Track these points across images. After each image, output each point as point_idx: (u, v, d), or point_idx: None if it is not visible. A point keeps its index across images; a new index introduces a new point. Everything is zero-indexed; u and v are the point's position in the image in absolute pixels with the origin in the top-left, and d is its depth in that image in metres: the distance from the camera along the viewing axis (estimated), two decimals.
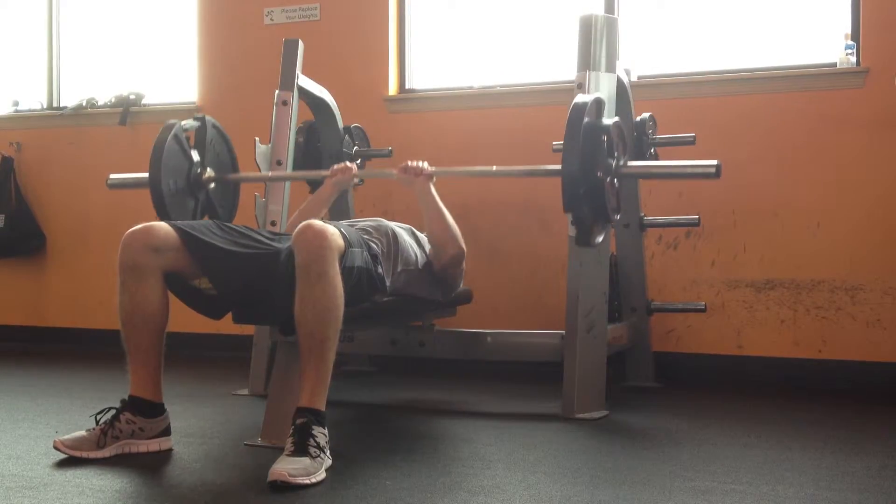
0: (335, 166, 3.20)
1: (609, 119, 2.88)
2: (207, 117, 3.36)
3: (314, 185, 3.95)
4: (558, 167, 2.79)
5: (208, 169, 3.31)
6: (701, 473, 2.31)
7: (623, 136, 2.93)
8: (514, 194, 4.16)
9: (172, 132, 3.16)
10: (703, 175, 2.98)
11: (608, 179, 2.81)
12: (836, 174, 3.76)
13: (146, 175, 3.16)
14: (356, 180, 3.25)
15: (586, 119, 2.77)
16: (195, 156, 3.26)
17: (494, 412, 3.24)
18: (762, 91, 3.87)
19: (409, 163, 3.05)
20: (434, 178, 3.03)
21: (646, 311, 3.67)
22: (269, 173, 3.41)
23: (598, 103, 2.88)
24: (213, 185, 3.34)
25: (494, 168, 3.25)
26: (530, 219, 4.14)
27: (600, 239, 2.95)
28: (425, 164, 3.04)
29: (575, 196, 2.75)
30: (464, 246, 3.01)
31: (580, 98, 2.86)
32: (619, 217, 2.97)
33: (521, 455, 2.52)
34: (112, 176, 3.63)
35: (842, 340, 3.73)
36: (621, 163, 2.90)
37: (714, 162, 2.88)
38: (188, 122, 3.28)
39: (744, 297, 3.85)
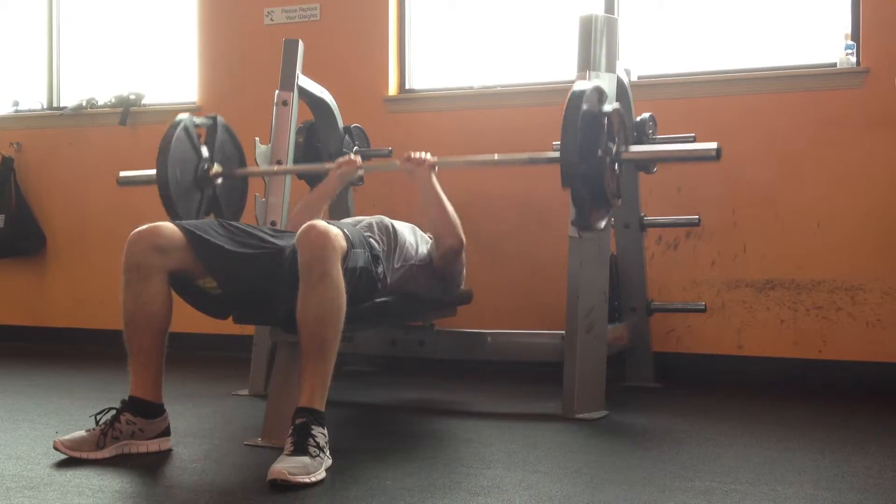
0: (340, 159, 3.23)
1: (609, 105, 2.88)
2: (219, 118, 3.36)
3: (314, 185, 3.96)
4: (557, 154, 2.81)
5: (216, 164, 3.31)
6: (701, 473, 2.31)
7: (623, 122, 2.93)
8: (514, 194, 4.16)
9: (183, 124, 3.18)
10: (703, 157, 3.00)
11: (608, 164, 2.82)
12: (836, 174, 3.76)
13: (153, 172, 3.16)
14: (360, 173, 3.26)
15: (585, 106, 2.78)
16: (204, 151, 3.26)
17: (494, 412, 3.24)
18: (762, 91, 3.87)
19: (412, 153, 3.07)
20: (436, 168, 3.06)
21: (646, 311, 3.67)
22: (275, 167, 3.41)
23: (598, 91, 2.88)
24: (219, 181, 3.34)
25: (496, 156, 3.26)
26: (530, 219, 4.14)
27: (602, 224, 2.95)
28: (428, 155, 3.07)
29: (573, 178, 2.75)
30: (463, 237, 3.02)
31: (579, 85, 2.87)
32: (619, 202, 2.97)
33: (521, 455, 2.52)
34: (122, 174, 3.64)
35: (842, 340, 3.73)
36: (622, 148, 2.91)
37: (713, 145, 2.90)
38: (200, 119, 3.29)
39: (744, 297, 3.85)
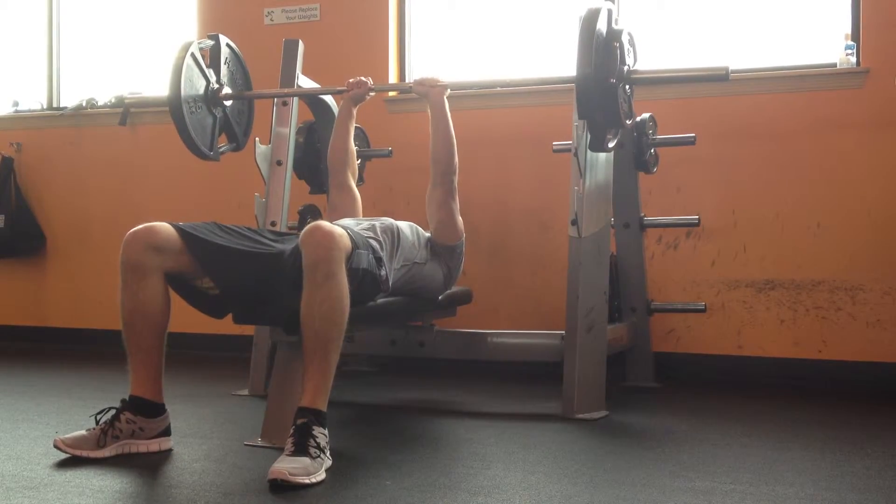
0: (350, 80, 3.27)
1: (619, 26, 2.90)
2: (221, 36, 3.35)
3: (315, 186, 3.96)
4: (572, 75, 2.83)
5: (224, 87, 3.30)
6: (701, 473, 2.31)
7: (633, 43, 2.95)
8: (514, 194, 4.16)
9: (189, 50, 3.16)
10: (713, 77, 2.99)
11: (620, 85, 2.84)
12: (836, 174, 3.76)
13: (164, 95, 3.15)
14: (371, 94, 3.31)
15: (599, 25, 2.79)
16: (211, 74, 3.26)
17: (494, 412, 3.24)
18: (762, 91, 3.87)
19: (425, 76, 3.17)
20: (448, 91, 3.14)
21: (646, 311, 3.67)
22: (284, 89, 3.43)
23: (610, 12, 2.89)
24: (229, 102, 3.33)
25: (508, 79, 3.28)
26: (530, 219, 4.14)
27: (612, 144, 2.98)
28: (439, 78, 3.16)
29: (590, 101, 2.79)
30: (457, 162, 3.10)
31: (593, 4, 2.88)
32: (630, 122, 3.01)
33: (521, 455, 2.52)
34: (129, 96, 3.61)
35: (842, 340, 3.73)
36: (633, 69, 2.93)
37: (724, 66, 2.91)
38: (203, 41, 3.28)
39: (744, 297, 3.86)
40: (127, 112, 4.90)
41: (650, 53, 4.14)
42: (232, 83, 3.35)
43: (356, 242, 2.50)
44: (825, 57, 3.87)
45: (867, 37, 3.73)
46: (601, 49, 2.79)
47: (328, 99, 3.77)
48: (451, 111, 3.04)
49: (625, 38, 2.86)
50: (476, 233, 4.16)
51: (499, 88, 4.32)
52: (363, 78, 3.27)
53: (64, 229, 5.09)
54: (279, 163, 3.45)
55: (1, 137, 5.15)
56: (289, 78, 3.50)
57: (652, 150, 3.61)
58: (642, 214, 3.65)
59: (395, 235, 2.85)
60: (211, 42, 3.30)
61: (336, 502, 2.06)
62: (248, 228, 2.72)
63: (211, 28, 4.76)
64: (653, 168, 3.64)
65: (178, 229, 2.54)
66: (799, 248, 3.79)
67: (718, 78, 2.94)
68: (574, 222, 3.05)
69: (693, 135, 3.57)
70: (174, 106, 3.08)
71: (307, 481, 2.15)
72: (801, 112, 3.80)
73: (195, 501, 2.07)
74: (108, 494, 2.12)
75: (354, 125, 3.32)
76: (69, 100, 5.19)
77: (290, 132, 3.49)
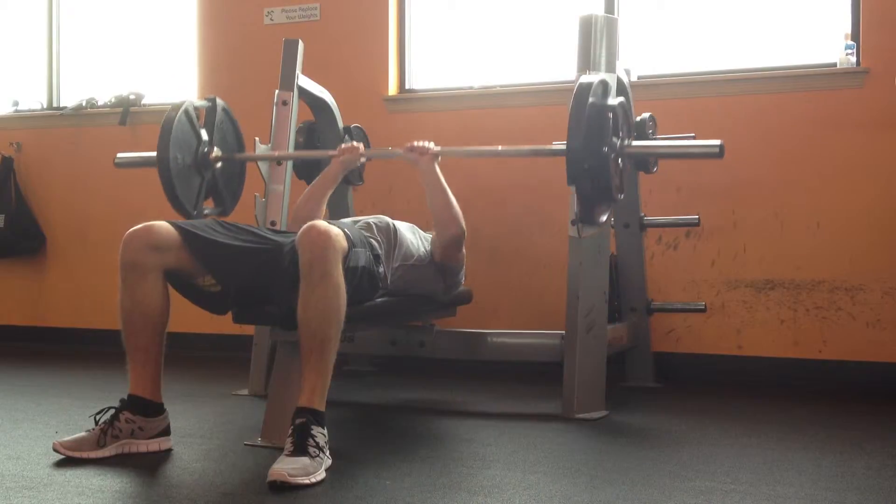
0: (343, 145, 3.22)
1: (614, 99, 2.89)
2: (218, 99, 3.36)
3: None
4: (563, 146, 2.80)
5: (216, 148, 3.31)
6: (701, 473, 2.31)
7: (628, 116, 2.93)
8: (514, 194, 4.16)
9: (183, 108, 3.18)
10: (706, 154, 2.99)
11: (613, 158, 2.82)
12: (836, 174, 3.76)
13: (153, 154, 3.16)
14: (362, 160, 3.26)
15: (592, 99, 2.78)
16: (204, 134, 3.27)
17: (494, 412, 3.24)
18: (762, 91, 3.87)
19: (415, 142, 3.06)
20: (439, 158, 3.06)
21: (646, 311, 3.67)
22: (276, 152, 3.40)
23: (604, 84, 2.88)
24: (219, 164, 3.34)
25: (500, 148, 3.24)
26: (530, 219, 4.14)
27: (603, 218, 2.94)
28: (431, 144, 3.06)
29: (579, 172, 2.75)
30: (464, 226, 3.02)
31: (585, 78, 2.86)
32: (622, 196, 2.97)
33: (521, 455, 2.52)
34: (119, 155, 3.63)
35: (842, 340, 3.73)
36: (625, 142, 2.91)
37: (717, 142, 2.89)
38: (199, 102, 3.29)
39: (744, 297, 3.85)
40: (127, 112, 4.90)
41: (650, 54, 4.16)
42: (224, 146, 3.36)
43: (353, 241, 2.50)
44: (825, 57, 3.87)
45: (867, 37, 3.73)
46: (594, 122, 2.77)
47: (328, 98, 3.77)
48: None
49: (619, 111, 2.85)
50: (476, 233, 4.15)
51: (497, 88, 4.33)
52: (355, 143, 3.23)
53: (64, 229, 5.09)
54: (279, 163, 3.45)
55: (1, 137, 5.15)
56: (289, 78, 3.50)
57: None
58: (642, 214, 3.65)
59: (391, 234, 2.85)
60: (207, 103, 3.32)
61: (336, 502, 2.06)
62: (247, 225, 2.73)
63: (211, 28, 4.78)
64: (653, 168, 3.64)
65: (178, 227, 2.54)
66: (799, 248, 3.79)
67: (712, 155, 2.92)
68: (574, 222, 3.05)
69: (693, 135, 3.56)
70: (162, 165, 3.11)
71: (307, 481, 2.15)
72: (801, 112, 3.80)
73: (195, 501, 2.07)
74: (108, 494, 2.12)
75: (331, 191, 3.19)
76: (69, 100, 5.19)
77: (290, 132, 3.49)
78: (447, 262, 3.07)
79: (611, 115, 2.81)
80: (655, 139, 3.58)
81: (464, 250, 3.11)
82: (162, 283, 2.52)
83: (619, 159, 2.89)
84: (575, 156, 2.74)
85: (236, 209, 3.56)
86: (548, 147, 3.13)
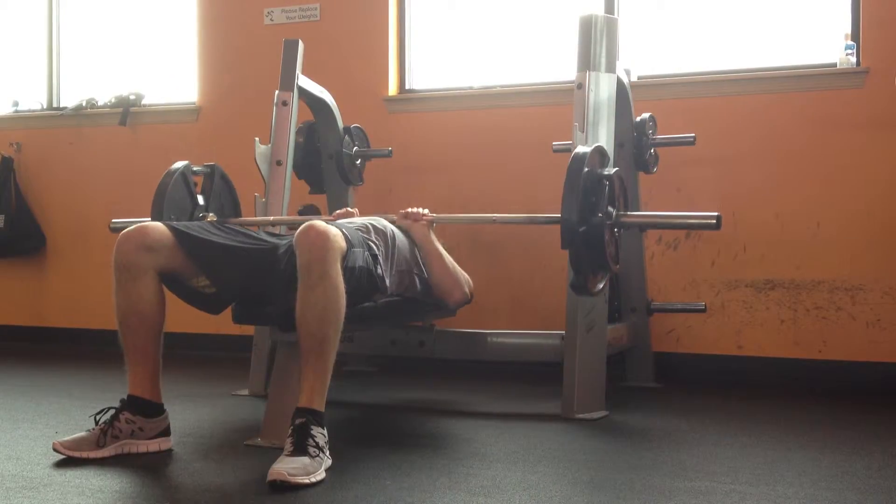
0: (337, 212, 3.20)
1: (610, 169, 2.88)
2: (217, 166, 3.34)
3: (314, 185, 3.97)
4: (558, 215, 2.77)
5: (210, 213, 3.28)
6: (701, 473, 2.31)
7: (624, 186, 2.92)
8: (514, 194, 4.16)
9: (181, 171, 3.16)
10: (703, 226, 3.01)
11: (608, 226, 2.81)
12: (837, 174, 3.76)
13: (147, 220, 3.14)
14: (355, 213, 3.22)
15: (587, 168, 2.77)
16: (200, 199, 3.25)
17: (494, 412, 3.24)
18: (762, 91, 3.87)
19: (410, 209, 3.05)
20: (434, 225, 3.04)
21: (646, 311, 3.67)
22: (271, 217, 3.32)
23: (600, 152, 2.89)
24: None
25: (495, 217, 3.21)
26: None
27: (600, 287, 2.94)
28: (425, 211, 3.05)
29: (573, 244, 2.73)
30: (467, 291, 3.04)
31: (581, 148, 2.85)
32: (618, 267, 2.96)
33: (521, 455, 2.52)
34: (114, 221, 3.60)
35: (842, 340, 3.73)
36: (622, 212, 2.90)
37: (714, 213, 2.89)
38: (198, 167, 3.27)
39: (744, 297, 3.85)
40: (127, 112, 4.90)
41: (650, 54, 4.16)
42: (220, 213, 3.32)
43: (351, 241, 2.49)
44: (825, 57, 3.87)
45: (867, 37, 3.73)
46: (588, 193, 2.76)
47: (328, 98, 3.77)
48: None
49: (615, 181, 2.84)
50: (476, 233, 4.16)
51: (498, 88, 4.33)
52: (349, 209, 3.20)
53: (64, 229, 5.09)
54: (279, 163, 3.45)
55: (1, 137, 5.15)
56: (289, 78, 3.50)
57: (652, 150, 3.61)
58: None
59: (389, 239, 2.83)
60: (206, 170, 3.30)
61: (336, 502, 2.06)
62: (243, 228, 2.72)
63: (211, 28, 4.78)
64: (653, 168, 3.65)
65: (171, 228, 2.54)
66: (799, 248, 3.79)
67: (709, 226, 2.92)
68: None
69: (693, 135, 3.57)
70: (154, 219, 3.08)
71: (307, 481, 2.15)
72: (801, 112, 3.80)
73: (195, 501, 2.07)
74: (108, 494, 2.12)
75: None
76: (69, 100, 5.19)
77: (290, 132, 3.49)
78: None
79: (606, 184, 2.80)
80: (655, 139, 3.59)
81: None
82: (156, 284, 2.52)
83: (616, 229, 2.88)
84: (569, 225, 2.72)
85: (237, 209, 3.56)
86: (543, 216, 3.07)
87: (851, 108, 3.73)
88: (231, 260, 2.55)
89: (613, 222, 2.85)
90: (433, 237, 3.01)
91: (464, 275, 3.08)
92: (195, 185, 3.24)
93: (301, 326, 2.34)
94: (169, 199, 3.10)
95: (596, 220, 2.75)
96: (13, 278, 5.16)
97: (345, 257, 2.43)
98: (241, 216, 3.42)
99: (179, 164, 3.19)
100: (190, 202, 3.21)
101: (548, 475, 2.30)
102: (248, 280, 2.55)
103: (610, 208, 2.82)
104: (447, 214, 3.32)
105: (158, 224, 2.54)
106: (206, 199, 3.26)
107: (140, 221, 3.20)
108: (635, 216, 3.06)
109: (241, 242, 2.60)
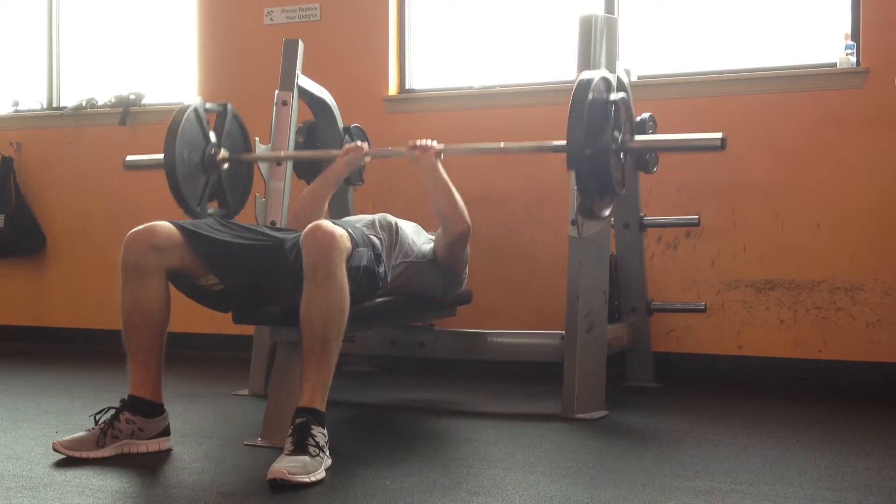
0: (347, 145, 3.23)
1: (615, 94, 2.89)
2: (229, 105, 3.36)
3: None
4: (563, 143, 2.81)
5: (223, 150, 3.30)
6: (701, 473, 2.31)
7: (630, 111, 2.94)
8: (514, 194, 4.16)
9: (194, 108, 3.18)
10: (708, 147, 3.00)
11: (614, 152, 2.83)
12: (836, 174, 3.75)
13: (161, 157, 3.16)
14: (366, 159, 3.27)
15: (593, 94, 2.78)
16: (212, 136, 3.26)
17: (494, 412, 3.24)
18: (762, 91, 3.87)
19: (418, 140, 3.08)
20: (442, 155, 3.07)
21: (646, 311, 3.67)
22: (281, 153, 3.40)
23: (605, 80, 2.89)
24: (226, 167, 3.33)
25: (502, 144, 3.25)
26: (530, 219, 4.14)
27: (606, 212, 2.95)
28: (434, 142, 3.07)
29: (580, 168, 2.76)
30: (469, 222, 3.02)
31: (586, 74, 2.87)
32: (624, 191, 2.97)
33: (521, 455, 2.52)
34: (129, 158, 3.63)
35: (842, 340, 3.72)
36: (627, 137, 2.92)
37: (719, 134, 2.90)
38: (210, 105, 3.29)
39: (744, 297, 3.85)
40: (127, 112, 4.90)
41: (650, 54, 4.16)
42: (231, 149, 3.36)
43: (356, 241, 2.50)
44: (825, 57, 3.87)
45: (867, 37, 3.73)
46: (595, 117, 2.78)
47: (328, 99, 3.77)
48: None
49: (620, 107, 2.86)
50: (476, 233, 4.13)
51: (497, 88, 4.33)
52: (359, 143, 3.24)
53: (64, 229, 5.09)
54: (279, 163, 3.45)
55: (1, 137, 5.15)
56: (289, 78, 3.50)
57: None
58: (642, 214, 3.65)
59: (393, 231, 2.86)
60: (218, 108, 3.34)
61: (336, 502, 2.06)
62: (247, 224, 2.73)
63: (211, 28, 4.78)
64: (653, 168, 3.63)
65: (180, 227, 2.54)
66: (799, 248, 3.79)
67: (713, 147, 2.93)
68: (574, 222, 3.05)
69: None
70: (168, 158, 3.11)
71: (307, 480, 2.15)
72: (801, 112, 3.80)
73: (195, 501, 2.07)
74: (108, 494, 2.12)
75: (334, 191, 3.21)
76: (69, 100, 5.18)
77: (290, 132, 3.49)
78: (450, 263, 3.06)
79: (612, 110, 2.81)
80: None
81: (468, 249, 3.11)
82: (164, 284, 2.52)
83: (621, 154, 2.89)
84: (575, 146, 2.74)
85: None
86: (549, 143, 3.13)
87: (851, 108, 3.73)
88: (239, 257, 2.56)
89: (619, 147, 2.87)
90: (440, 167, 3.03)
91: (465, 208, 3.06)
92: (208, 122, 3.26)
93: (305, 325, 2.35)
94: (182, 136, 3.11)
95: (602, 144, 2.77)
96: (13, 278, 5.16)
97: (349, 257, 2.43)
98: (251, 152, 3.47)
99: (192, 100, 3.20)
100: (203, 139, 3.23)
101: (548, 475, 2.30)
102: (255, 276, 2.56)
103: (616, 133, 2.83)
104: (454, 145, 3.34)
105: (167, 223, 2.54)
106: (217, 137, 3.28)
107: (154, 158, 3.25)
108: (641, 140, 3.06)
109: (248, 239, 2.61)
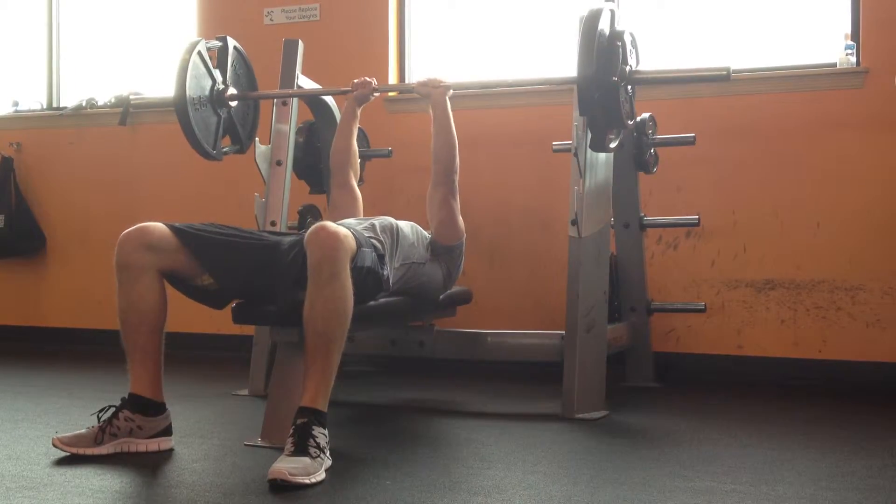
0: (355, 80, 3.27)
1: (621, 26, 2.90)
2: (229, 38, 3.35)
3: (314, 185, 3.96)
4: (573, 75, 2.84)
5: (230, 87, 3.30)
6: (701, 473, 2.31)
7: (636, 44, 2.95)
8: (514, 194, 4.16)
9: (196, 49, 3.16)
10: (715, 78, 2.99)
11: (622, 85, 2.85)
12: (836, 174, 3.76)
13: (168, 96, 3.15)
14: (375, 95, 3.31)
15: (601, 25, 2.79)
16: (217, 74, 3.26)
17: (494, 412, 3.24)
18: (762, 91, 3.87)
19: (429, 77, 3.19)
20: (451, 91, 3.16)
21: (646, 311, 3.67)
22: (290, 90, 3.45)
23: (612, 12, 2.89)
24: (234, 103, 3.33)
25: (510, 79, 3.30)
26: (531, 219, 4.14)
27: (614, 145, 2.98)
28: (443, 79, 3.18)
29: (590, 101, 2.79)
30: (458, 160, 3.12)
31: (594, 6, 2.88)
32: (631, 123, 3.01)
33: (521, 455, 2.52)
34: (133, 97, 3.61)
35: (842, 340, 3.73)
36: (634, 69, 2.93)
37: (725, 67, 2.91)
38: (211, 42, 3.28)
39: (744, 297, 3.85)
40: (127, 112, 4.89)
41: (651, 53, 4.15)
42: (237, 85, 3.35)
43: (360, 242, 2.51)
44: (825, 57, 3.87)
45: (867, 37, 3.73)
46: (603, 49, 2.80)
47: (328, 99, 3.77)
48: (451, 110, 3.05)
49: (627, 39, 2.87)
50: (476, 233, 4.15)
51: (498, 89, 4.32)
52: (367, 78, 3.27)
53: (64, 229, 5.09)
54: (279, 163, 3.45)
55: (1, 137, 5.15)
56: (289, 78, 3.50)
57: (652, 150, 3.61)
58: (642, 214, 3.65)
59: (394, 234, 2.86)
60: (219, 43, 3.31)
61: (336, 502, 2.06)
62: (243, 228, 2.74)
63: (211, 28, 4.77)
64: (653, 168, 3.64)
65: (172, 228, 2.55)
66: (799, 248, 3.79)
67: (720, 78, 2.94)
68: (574, 222, 3.05)
69: (693, 135, 3.56)
70: (179, 104, 3.09)
71: (307, 481, 2.15)
72: (801, 112, 3.80)
73: (195, 501, 2.07)
74: (108, 494, 2.12)
75: (357, 126, 3.33)
76: (69, 100, 5.18)
77: (290, 132, 3.49)
78: (448, 231, 3.06)
79: (619, 44, 2.82)
80: (655, 139, 3.58)
81: (462, 224, 3.09)
82: (158, 283, 2.53)
83: (628, 86, 2.93)
84: (585, 84, 2.78)
85: (236, 211, 3.57)
86: (558, 77, 3.16)
87: (851, 108, 3.73)
88: (234, 256, 2.57)
89: (627, 79, 2.89)
90: (448, 104, 3.13)
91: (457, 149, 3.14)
92: (212, 58, 3.26)
93: (308, 325, 2.35)
94: (190, 78, 3.10)
95: (611, 80, 2.79)
96: (13, 278, 5.16)
97: (354, 257, 2.44)
98: (256, 87, 3.47)
99: (194, 40, 3.20)
100: (209, 79, 3.22)
101: (548, 475, 2.30)
102: (251, 276, 2.57)
103: (623, 65, 2.85)
104: (463, 81, 3.47)
105: (160, 224, 2.55)
106: (222, 73, 3.28)
107: (162, 99, 3.23)
108: (648, 72, 3.07)
109: (243, 239, 2.62)
